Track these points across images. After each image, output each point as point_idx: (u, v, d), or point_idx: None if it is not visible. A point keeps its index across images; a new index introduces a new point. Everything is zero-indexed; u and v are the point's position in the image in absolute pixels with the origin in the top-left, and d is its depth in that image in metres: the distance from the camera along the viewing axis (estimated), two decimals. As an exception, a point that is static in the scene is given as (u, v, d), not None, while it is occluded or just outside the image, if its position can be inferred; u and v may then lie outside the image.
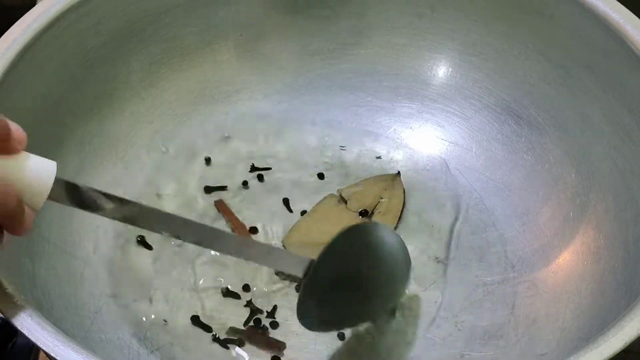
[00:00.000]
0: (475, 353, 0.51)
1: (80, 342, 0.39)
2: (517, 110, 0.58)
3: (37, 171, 0.37)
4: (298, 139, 0.62)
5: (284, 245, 0.55)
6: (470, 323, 0.53)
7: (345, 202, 0.58)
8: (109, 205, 0.40)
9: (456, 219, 0.58)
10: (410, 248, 0.55)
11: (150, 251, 0.55)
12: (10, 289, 0.40)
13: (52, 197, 0.38)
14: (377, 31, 0.61)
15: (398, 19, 0.60)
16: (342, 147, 0.61)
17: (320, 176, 0.60)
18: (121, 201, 0.40)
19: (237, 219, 0.56)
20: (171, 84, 0.60)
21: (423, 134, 0.61)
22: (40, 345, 0.38)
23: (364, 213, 0.57)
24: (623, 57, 0.51)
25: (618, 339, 0.39)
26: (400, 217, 0.58)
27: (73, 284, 0.51)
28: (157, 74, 0.59)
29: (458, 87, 0.61)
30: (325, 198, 0.58)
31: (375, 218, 0.57)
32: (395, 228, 0.57)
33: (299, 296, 0.48)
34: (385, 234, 0.51)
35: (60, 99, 0.54)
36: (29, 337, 0.39)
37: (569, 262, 0.53)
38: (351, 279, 0.49)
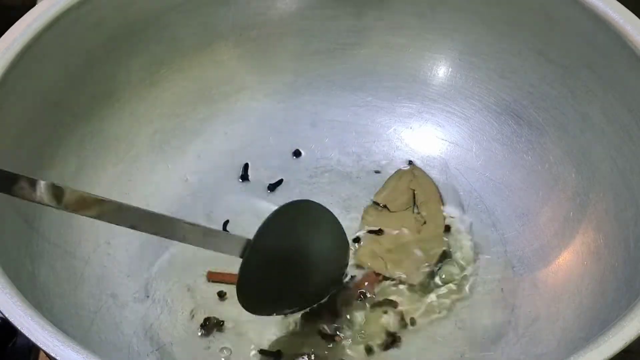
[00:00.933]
0: (475, 353, 0.51)
1: (80, 342, 0.39)
2: (517, 110, 0.58)
3: None
4: (298, 139, 0.62)
5: (357, 264, 0.55)
6: (470, 323, 0.53)
7: (387, 207, 0.58)
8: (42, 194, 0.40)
9: (456, 218, 0.58)
10: (410, 248, 0.56)
11: (151, 252, 0.55)
12: (10, 289, 0.40)
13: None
14: (377, 31, 0.61)
15: (398, 19, 0.60)
16: (342, 148, 0.61)
17: (321, 176, 0.60)
18: (61, 190, 0.40)
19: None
20: (171, 84, 0.60)
21: (423, 134, 0.61)
22: (40, 345, 0.38)
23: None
24: (623, 57, 0.51)
25: (618, 339, 0.39)
26: (441, 196, 0.58)
27: (73, 284, 0.51)
28: (157, 74, 0.59)
29: (458, 87, 0.61)
30: (366, 211, 0.58)
31: (421, 209, 0.58)
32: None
33: (238, 277, 0.46)
34: (320, 211, 0.51)
35: (60, 99, 0.54)
36: (29, 337, 0.39)
37: (569, 262, 0.53)
38: (290, 257, 0.49)
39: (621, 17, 0.51)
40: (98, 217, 0.43)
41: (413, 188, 0.59)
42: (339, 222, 0.52)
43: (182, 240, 0.45)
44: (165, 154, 0.60)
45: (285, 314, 0.52)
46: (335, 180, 0.60)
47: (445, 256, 0.55)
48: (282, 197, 0.59)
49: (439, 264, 0.55)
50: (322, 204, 0.51)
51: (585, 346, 0.39)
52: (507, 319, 0.53)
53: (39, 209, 0.51)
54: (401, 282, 0.54)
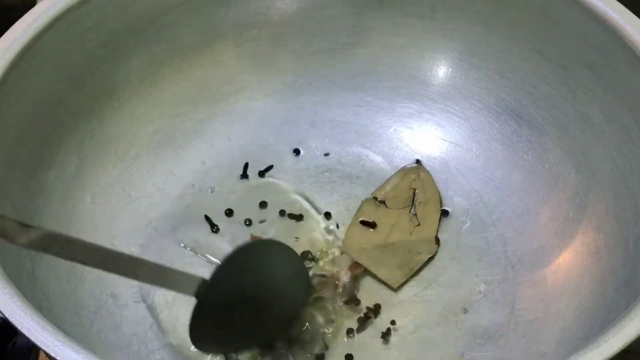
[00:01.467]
0: (475, 353, 0.51)
1: (80, 342, 0.39)
2: (517, 110, 0.58)
3: None
4: (298, 139, 0.62)
5: (341, 251, 0.56)
6: (470, 323, 0.53)
7: (384, 203, 0.58)
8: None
9: (456, 218, 0.58)
10: (410, 248, 0.56)
11: (151, 252, 0.56)
12: (10, 289, 0.40)
13: None
14: (377, 31, 0.61)
15: (398, 18, 0.60)
16: (342, 147, 0.61)
17: (321, 176, 0.60)
18: (27, 227, 0.39)
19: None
20: (171, 84, 0.60)
21: (423, 134, 0.61)
22: (40, 345, 0.38)
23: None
24: (623, 57, 0.51)
25: (618, 339, 0.39)
26: (440, 201, 0.58)
27: (73, 283, 0.51)
28: (157, 73, 0.59)
29: (458, 87, 0.61)
30: (363, 204, 0.58)
31: (418, 210, 0.58)
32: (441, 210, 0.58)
33: (191, 317, 0.45)
34: (281, 251, 0.50)
35: (60, 99, 0.54)
36: (29, 337, 0.39)
37: (568, 262, 0.53)
38: (246, 298, 0.47)
39: (621, 17, 0.51)
40: (45, 250, 0.40)
41: (415, 188, 0.59)
42: (302, 262, 0.52)
43: (135, 277, 0.43)
44: (165, 154, 0.60)
45: (240, 352, 0.51)
46: (335, 179, 0.60)
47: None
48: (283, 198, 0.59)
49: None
50: (284, 243, 0.51)
51: (585, 346, 0.39)
52: (507, 319, 0.53)
53: (39, 210, 0.51)
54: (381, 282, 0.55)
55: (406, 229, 0.57)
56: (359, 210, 0.58)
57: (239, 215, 0.58)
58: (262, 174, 0.60)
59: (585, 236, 0.53)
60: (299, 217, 0.58)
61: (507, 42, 0.58)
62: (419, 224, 0.57)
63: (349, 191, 0.59)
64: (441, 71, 0.61)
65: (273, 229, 0.57)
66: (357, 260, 0.55)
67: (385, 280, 0.55)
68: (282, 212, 0.58)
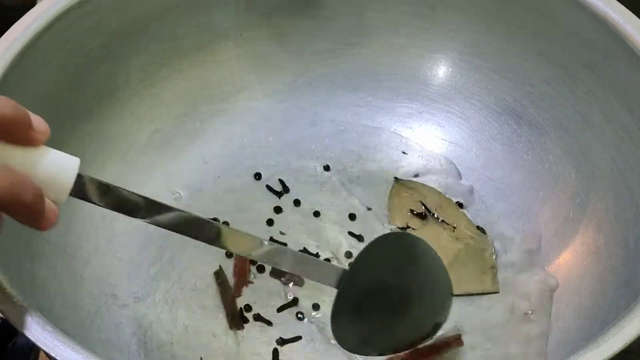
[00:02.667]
0: (476, 352, 0.51)
1: (80, 342, 0.39)
2: (517, 110, 0.58)
3: (58, 165, 0.36)
4: (298, 139, 0.62)
5: None
6: (470, 323, 0.53)
7: (410, 226, 0.57)
8: (139, 206, 0.39)
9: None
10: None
11: (151, 252, 0.56)
12: (10, 289, 0.40)
13: (76, 194, 0.37)
14: (377, 31, 0.61)
15: (398, 19, 0.60)
16: (342, 147, 0.61)
17: (323, 172, 0.60)
18: (153, 204, 0.39)
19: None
20: (171, 84, 0.60)
21: (423, 134, 0.61)
22: (40, 345, 0.38)
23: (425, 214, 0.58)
24: (623, 57, 0.51)
25: (618, 339, 0.39)
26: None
27: (73, 284, 0.51)
28: (157, 74, 0.59)
29: (458, 87, 0.61)
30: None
31: (442, 216, 0.57)
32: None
33: (332, 310, 0.45)
34: (422, 246, 0.47)
35: (60, 99, 0.54)
36: (29, 337, 0.38)
37: (569, 262, 0.53)
38: (387, 290, 0.46)
39: (621, 17, 0.51)
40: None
41: (419, 200, 0.58)
42: (441, 261, 0.48)
43: (277, 265, 0.43)
44: (165, 154, 0.60)
45: (385, 354, 0.48)
46: (335, 179, 0.60)
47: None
48: (283, 199, 0.59)
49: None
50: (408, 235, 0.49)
51: (585, 346, 0.39)
52: (507, 319, 0.53)
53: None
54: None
55: (451, 238, 0.56)
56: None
57: (249, 214, 0.58)
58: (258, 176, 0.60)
59: (585, 236, 0.53)
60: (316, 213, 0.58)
61: (507, 42, 0.58)
62: (455, 228, 0.57)
63: (349, 191, 0.59)
64: (441, 71, 0.61)
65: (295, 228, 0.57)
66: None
67: (484, 291, 0.54)
68: (296, 202, 0.58)
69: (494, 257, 0.55)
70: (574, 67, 0.54)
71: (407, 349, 0.48)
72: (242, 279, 0.54)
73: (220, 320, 0.53)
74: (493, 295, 0.54)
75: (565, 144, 0.56)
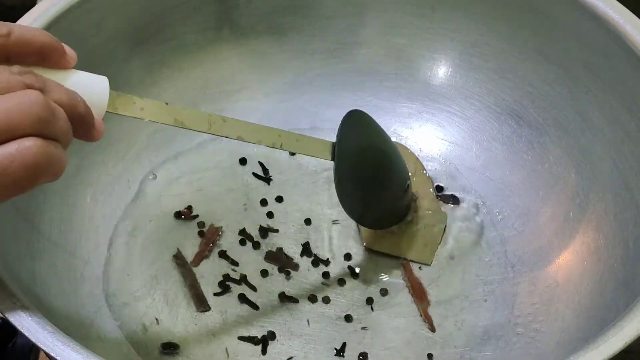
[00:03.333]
0: (475, 353, 0.51)
1: (80, 342, 0.39)
2: (517, 110, 0.58)
3: (92, 83, 0.40)
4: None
5: (366, 247, 0.56)
6: (470, 323, 0.53)
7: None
8: None
9: (456, 219, 0.58)
10: (410, 248, 0.56)
11: (151, 251, 0.56)
12: (10, 288, 0.40)
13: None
14: (377, 31, 0.61)
15: (398, 19, 0.60)
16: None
17: (320, 175, 0.60)
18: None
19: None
20: (172, 84, 0.60)
21: (423, 134, 0.61)
22: (40, 345, 0.38)
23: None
24: (623, 57, 0.51)
25: (618, 339, 0.39)
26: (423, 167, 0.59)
27: (73, 283, 0.52)
28: (158, 73, 0.59)
29: (458, 87, 0.61)
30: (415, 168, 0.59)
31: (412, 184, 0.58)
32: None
33: (335, 183, 0.51)
34: (370, 119, 0.53)
35: (60, 99, 0.53)
36: (29, 337, 0.39)
37: (569, 262, 0.53)
38: (374, 153, 0.52)
39: (621, 17, 0.51)
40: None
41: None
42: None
43: (279, 147, 0.47)
44: (165, 154, 0.60)
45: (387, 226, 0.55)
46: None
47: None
48: (283, 200, 0.59)
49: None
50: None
51: (585, 346, 0.39)
52: (507, 319, 0.53)
53: (39, 209, 0.51)
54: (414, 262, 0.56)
55: (411, 209, 0.57)
56: None
57: (241, 214, 0.58)
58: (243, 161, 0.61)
59: (585, 236, 0.53)
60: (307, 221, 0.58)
61: (507, 42, 0.58)
62: (417, 198, 0.57)
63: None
64: (441, 71, 0.61)
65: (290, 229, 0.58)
66: (384, 251, 0.56)
67: (419, 261, 0.55)
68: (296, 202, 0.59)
69: (441, 234, 0.57)
70: (574, 67, 0.54)
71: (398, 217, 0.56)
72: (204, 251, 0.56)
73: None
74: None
75: (565, 144, 0.56)
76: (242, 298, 0.53)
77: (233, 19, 0.60)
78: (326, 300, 0.54)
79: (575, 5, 0.53)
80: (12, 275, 0.42)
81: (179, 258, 0.55)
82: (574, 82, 0.55)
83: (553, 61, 0.56)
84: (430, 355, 0.51)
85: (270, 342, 0.52)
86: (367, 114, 0.53)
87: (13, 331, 0.54)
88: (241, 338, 0.52)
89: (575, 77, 0.54)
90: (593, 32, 0.52)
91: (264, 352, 0.51)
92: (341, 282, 0.55)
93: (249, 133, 0.45)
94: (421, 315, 0.53)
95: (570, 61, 0.55)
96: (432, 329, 0.52)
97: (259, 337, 0.52)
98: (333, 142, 0.50)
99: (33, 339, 0.38)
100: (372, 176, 0.52)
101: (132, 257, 0.55)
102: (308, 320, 0.53)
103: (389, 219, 0.56)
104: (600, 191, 0.53)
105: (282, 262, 0.55)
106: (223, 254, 0.56)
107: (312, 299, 0.54)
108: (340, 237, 0.57)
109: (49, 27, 0.51)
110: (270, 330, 0.52)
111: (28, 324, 0.39)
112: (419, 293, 0.54)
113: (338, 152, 0.49)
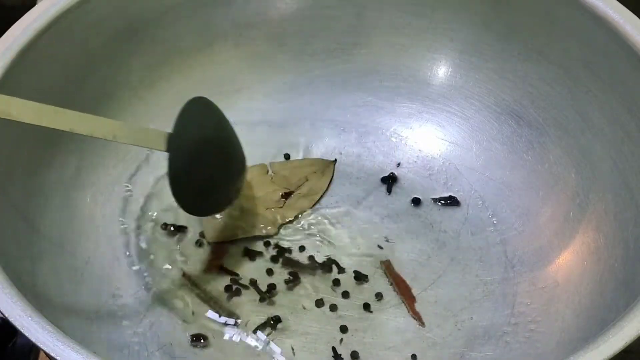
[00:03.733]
0: (475, 353, 0.51)
1: (80, 342, 0.39)
2: (517, 110, 0.58)
3: None
4: (298, 139, 0.62)
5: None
6: (470, 323, 0.53)
7: (273, 175, 0.59)
8: None
9: (456, 219, 0.58)
10: (410, 248, 0.56)
11: (150, 251, 0.56)
12: (10, 289, 0.40)
13: None
14: (377, 31, 0.61)
15: (398, 19, 0.60)
16: (342, 147, 0.61)
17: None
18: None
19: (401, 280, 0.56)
20: (171, 84, 0.60)
21: (423, 134, 0.61)
22: (40, 345, 0.38)
23: (286, 194, 0.59)
24: (623, 57, 0.51)
25: (618, 339, 0.39)
26: (316, 202, 0.59)
27: (73, 283, 0.52)
28: (157, 74, 0.59)
29: (458, 87, 0.61)
30: (255, 165, 0.59)
31: (294, 199, 0.58)
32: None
33: (168, 173, 0.48)
34: (214, 107, 0.52)
35: (60, 99, 0.53)
36: (29, 337, 0.39)
37: (568, 262, 0.53)
38: (213, 144, 0.50)
39: (621, 17, 0.51)
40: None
41: (308, 179, 0.59)
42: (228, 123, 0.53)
43: (114, 139, 0.45)
44: (165, 154, 0.60)
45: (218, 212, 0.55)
46: (335, 179, 0.60)
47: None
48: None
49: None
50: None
51: (585, 346, 0.39)
52: (507, 319, 0.53)
53: (39, 209, 0.51)
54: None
55: (265, 204, 0.58)
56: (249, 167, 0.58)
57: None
58: None
59: (585, 236, 0.53)
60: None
61: (507, 42, 0.58)
62: (282, 207, 0.58)
63: (349, 191, 0.59)
64: (441, 71, 0.61)
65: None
66: (229, 239, 0.56)
67: (204, 230, 0.56)
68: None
69: (245, 235, 0.57)
70: (574, 67, 0.54)
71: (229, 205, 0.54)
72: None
73: (220, 321, 0.53)
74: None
75: (565, 144, 0.56)
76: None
77: (233, 19, 0.60)
78: (329, 306, 0.54)
79: (575, 5, 0.53)
80: (12, 275, 0.42)
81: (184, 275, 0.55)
82: (574, 82, 0.55)
83: (553, 61, 0.56)
84: (414, 357, 0.52)
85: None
86: (207, 101, 0.52)
87: (13, 331, 0.54)
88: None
89: (575, 77, 0.55)
90: (593, 32, 0.52)
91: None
92: (336, 281, 0.55)
93: (81, 125, 0.44)
94: (409, 312, 0.53)
95: (570, 61, 0.55)
96: (422, 324, 0.52)
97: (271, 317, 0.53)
98: (168, 133, 0.48)
99: (33, 339, 0.39)
100: (215, 164, 0.51)
101: (132, 258, 0.55)
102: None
103: (227, 201, 0.54)
104: (600, 191, 0.53)
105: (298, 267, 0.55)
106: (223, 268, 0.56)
107: (319, 303, 0.54)
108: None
109: (49, 27, 0.51)
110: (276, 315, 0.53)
111: (28, 324, 0.39)
112: (403, 290, 0.54)
113: (175, 143, 0.48)
